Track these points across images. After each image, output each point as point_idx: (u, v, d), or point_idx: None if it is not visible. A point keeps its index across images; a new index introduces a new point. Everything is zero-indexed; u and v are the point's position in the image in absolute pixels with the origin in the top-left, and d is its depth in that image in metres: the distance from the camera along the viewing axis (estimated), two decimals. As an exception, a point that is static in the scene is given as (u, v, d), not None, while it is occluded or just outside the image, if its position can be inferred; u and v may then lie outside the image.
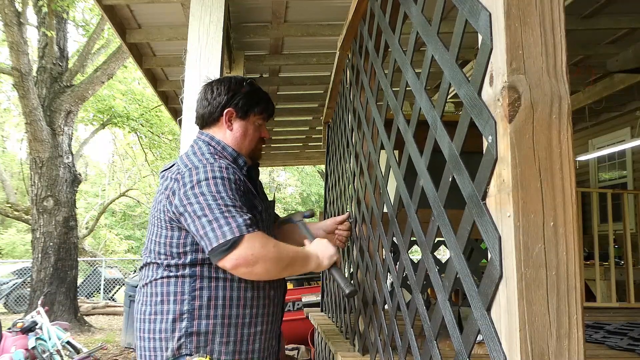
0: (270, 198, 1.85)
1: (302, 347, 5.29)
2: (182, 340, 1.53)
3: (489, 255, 0.89)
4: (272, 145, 9.25)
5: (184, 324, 1.54)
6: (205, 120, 1.72)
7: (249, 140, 1.72)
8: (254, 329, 1.61)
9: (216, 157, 1.63)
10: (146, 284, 1.62)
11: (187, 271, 1.56)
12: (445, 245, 1.10)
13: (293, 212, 7.00)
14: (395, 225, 1.66)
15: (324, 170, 4.30)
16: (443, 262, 3.52)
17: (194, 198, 1.49)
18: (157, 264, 1.59)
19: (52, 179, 8.95)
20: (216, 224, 1.45)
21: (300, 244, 1.84)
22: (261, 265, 1.46)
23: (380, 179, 1.91)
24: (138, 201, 19.98)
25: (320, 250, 1.68)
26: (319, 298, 4.50)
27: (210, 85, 1.74)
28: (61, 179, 9.03)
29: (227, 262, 1.44)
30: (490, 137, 0.89)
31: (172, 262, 1.57)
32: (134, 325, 1.65)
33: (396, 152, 1.74)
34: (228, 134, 1.69)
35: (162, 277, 1.58)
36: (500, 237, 0.86)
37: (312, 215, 2.03)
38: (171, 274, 1.57)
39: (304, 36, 4.45)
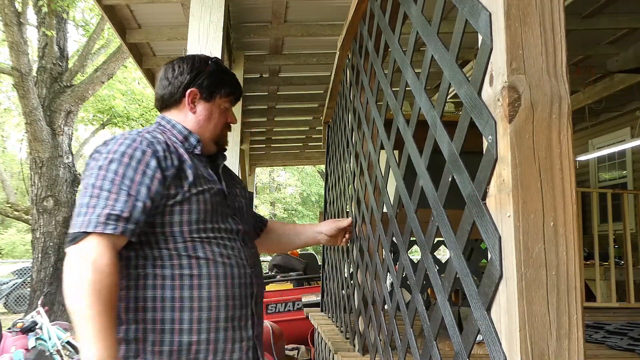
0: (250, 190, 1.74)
1: (302, 347, 5.29)
2: None
3: (489, 255, 0.89)
4: (272, 145, 9.25)
5: None
6: (165, 102, 1.53)
7: (213, 124, 1.53)
8: (197, 337, 1.32)
9: (155, 133, 1.43)
10: None
11: None
12: (445, 245, 1.10)
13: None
14: (395, 225, 1.66)
15: (324, 170, 4.30)
16: (443, 262, 3.52)
17: (88, 172, 1.32)
18: None
19: (52, 179, 8.94)
20: (78, 209, 1.26)
21: (307, 244, 1.78)
22: (75, 277, 1.19)
23: (380, 179, 1.91)
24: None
25: (100, 345, 1.16)
26: (319, 298, 4.50)
27: (171, 64, 1.55)
28: (61, 179, 9.03)
29: (66, 257, 1.23)
30: (490, 137, 0.89)
31: None
32: None
33: (396, 152, 1.74)
34: (190, 117, 1.51)
35: None
36: (500, 237, 0.86)
37: None
38: None
39: (304, 36, 4.45)
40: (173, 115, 1.52)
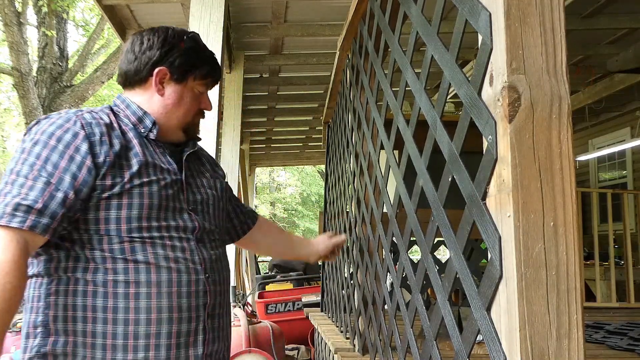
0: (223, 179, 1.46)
1: (302, 347, 5.29)
2: None
3: (489, 255, 0.89)
4: (272, 145, 9.26)
5: (37, 341, 1.13)
6: (129, 79, 1.30)
7: (183, 110, 1.30)
8: (133, 356, 1.13)
9: (100, 113, 1.23)
10: None
11: (41, 268, 1.16)
12: (445, 245, 1.10)
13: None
14: (395, 225, 1.66)
15: (324, 170, 4.30)
16: (443, 262, 3.52)
17: (14, 155, 1.16)
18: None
19: (52, 179, 8.94)
20: None
21: (297, 259, 1.58)
22: None
23: (380, 179, 1.91)
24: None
25: None
26: (319, 298, 4.50)
27: (139, 35, 1.31)
28: (61, 179, 9.03)
29: None
30: (490, 137, 0.89)
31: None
32: None
33: (396, 152, 1.74)
34: (156, 99, 1.28)
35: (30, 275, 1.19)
36: (500, 237, 0.86)
37: None
38: (31, 272, 1.17)
39: (304, 36, 4.45)
40: (136, 95, 1.30)
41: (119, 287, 1.14)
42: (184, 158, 1.31)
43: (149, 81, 1.28)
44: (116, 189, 1.15)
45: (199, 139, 1.39)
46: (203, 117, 1.38)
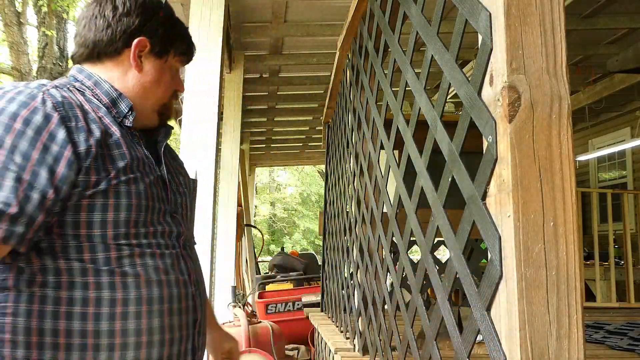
0: (192, 177, 1.27)
1: (302, 347, 5.29)
2: None
3: (489, 255, 0.89)
4: (272, 145, 9.25)
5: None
6: (97, 51, 1.07)
7: (162, 90, 1.12)
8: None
9: (67, 91, 0.99)
10: None
11: None
12: (445, 245, 1.10)
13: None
14: (395, 225, 1.66)
15: (324, 170, 4.30)
16: (443, 262, 3.52)
17: None
18: None
19: (52, 179, 8.95)
20: None
21: None
22: None
23: (380, 179, 1.91)
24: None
25: None
26: (319, 298, 4.50)
27: None
28: (61, 179, 9.04)
29: None
30: (490, 137, 0.89)
31: None
32: None
33: (396, 152, 1.74)
34: (132, 76, 1.08)
35: None
36: (500, 237, 0.86)
37: None
38: None
39: (304, 36, 4.45)
40: (104, 71, 1.07)
41: (103, 306, 0.93)
42: (162, 150, 1.12)
43: (125, 54, 1.07)
44: (102, 186, 0.94)
45: (172, 127, 1.21)
46: (177, 99, 1.21)
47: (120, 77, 1.08)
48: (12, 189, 0.86)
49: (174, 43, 1.13)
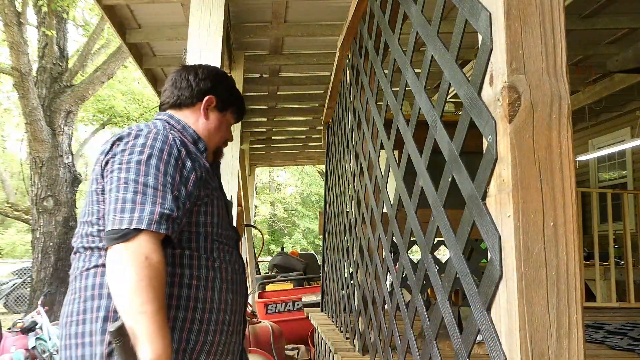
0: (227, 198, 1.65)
1: (302, 347, 5.29)
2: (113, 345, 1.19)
3: (489, 255, 0.89)
4: (272, 145, 9.25)
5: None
6: (180, 103, 1.51)
7: (220, 136, 1.55)
8: (204, 338, 1.33)
9: (174, 131, 1.43)
10: (75, 277, 1.33)
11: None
12: (445, 245, 1.10)
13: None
14: (395, 225, 1.66)
15: (324, 170, 4.30)
16: (443, 262, 3.52)
17: (118, 164, 1.27)
18: (90, 248, 1.32)
19: (52, 179, 8.94)
20: (121, 204, 1.21)
21: None
22: (131, 274, 1.15)
23: (380, 179, 1.91)
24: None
25: (159, 342, 1.15)
26: (319, 298, 4.50)
27: (193, 68, 1.56)
28: (61, 179, 9.03)
29: (110, 253, 1.19)
30: (490, 137, 0.89)
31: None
32: (60, 332, 1.34)
33: (396, 152, 1.74)
34: (201, 122, 1.51)
35: (95, 266, 1.30)
36: (500, 237, 0.86)
37: None
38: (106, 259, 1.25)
39: (304, 36, 4.45)
40: (183, 116, 1.51)
41: (201, 281, 1.35)
42: (220, 178, 1.56)
43: (197, 106, 1.51)
44: (205, 199, 1.38)
45: (220, 162, 1.64)
46: (226, 146, 1.63)
47: (193, 122, 1.51)
48: (172, 200, 1.26)
49: (233, 103, 1.58)
